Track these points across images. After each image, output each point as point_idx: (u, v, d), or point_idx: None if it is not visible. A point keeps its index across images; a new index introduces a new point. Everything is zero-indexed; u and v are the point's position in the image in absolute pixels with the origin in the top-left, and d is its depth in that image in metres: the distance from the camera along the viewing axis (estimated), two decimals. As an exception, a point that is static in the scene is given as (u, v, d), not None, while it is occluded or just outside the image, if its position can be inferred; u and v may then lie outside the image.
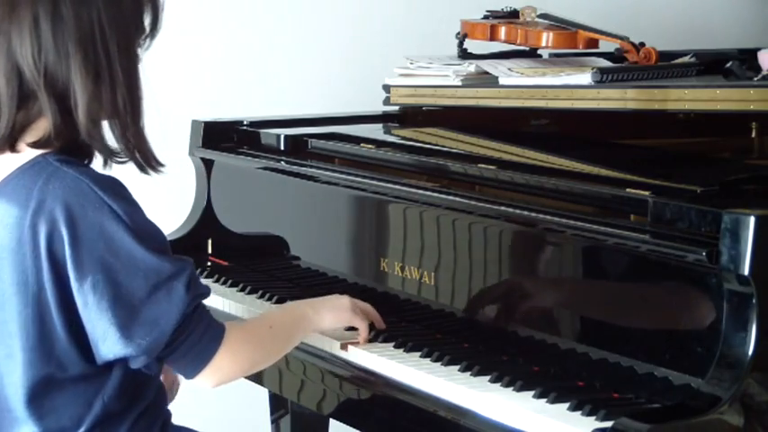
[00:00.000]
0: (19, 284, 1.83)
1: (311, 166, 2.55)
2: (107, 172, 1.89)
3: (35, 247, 1.81)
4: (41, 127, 1.85)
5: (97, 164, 1.91)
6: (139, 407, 1.92)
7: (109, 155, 1.88)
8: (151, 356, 1.85)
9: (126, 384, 1.89)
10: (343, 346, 2.18)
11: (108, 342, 1.82)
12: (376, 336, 2.21)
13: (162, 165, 1.92)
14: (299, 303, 2.19)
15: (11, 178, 1.86)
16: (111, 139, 1.88)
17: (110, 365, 1.87)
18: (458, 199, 2.20)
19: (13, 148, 1.86)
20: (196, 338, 1.88)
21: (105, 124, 1.87)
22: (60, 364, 1.85)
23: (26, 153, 1.86)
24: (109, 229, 1.80)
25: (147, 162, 1.91)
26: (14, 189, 1.84)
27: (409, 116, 2.93)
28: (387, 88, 2.89)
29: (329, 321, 2.16)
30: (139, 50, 1.91)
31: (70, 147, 1.87)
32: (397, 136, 2.85)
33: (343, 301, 2.19)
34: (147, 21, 1.91)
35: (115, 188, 1.83)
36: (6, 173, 1.87)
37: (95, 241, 1.80)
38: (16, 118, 1.85)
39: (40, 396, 1.85)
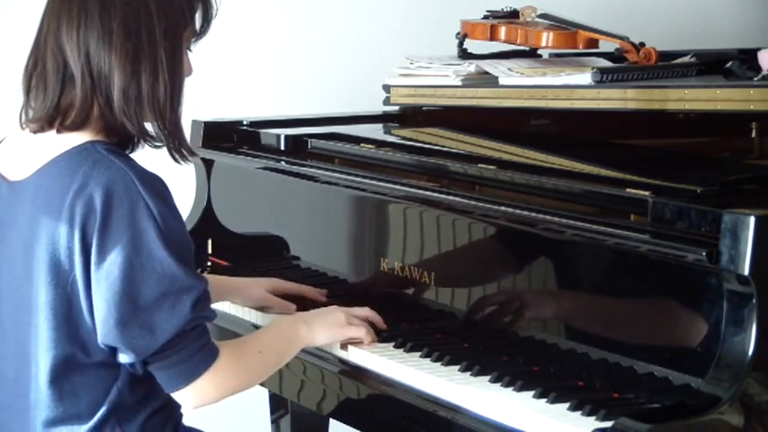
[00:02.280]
0: (51, 262, 1.85)
1: (311, 166, 2.55)
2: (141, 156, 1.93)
3: (71, 228, 1.83)
4: (72, 108, 1.88)
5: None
6: (154, 403, 1.93)
7: (143, 137, 1.91)
8: (137, 358, 1.86)
9: (139, 374, 1.90)
10: (343, 346, 2.18)
11: (104, 329, 1.84)
12: (377, 335, 2.21)
13: (194, 154, 1.98)
14: (293, 321, 2.15)
15: (57, 160, 1.88)
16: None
17: None
18: (458, 199, 2.20)
19: (56, 128, 1.89)
20: (186, 355, 1.88)
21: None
22: (84, 346, 1.87)
23: (73, 138, 1.88)
24: (140, 224, 1.82)
25: (179, 150, 1.94)
26: (59, 171, 1.87)
27: (409, 116, 2.93)
28: (387, 88, 2.89)
29: (323, 338, 2.15)
30: (186, 45, 1.94)
31: (118, 136, 1.91)
32: (397, 136, 2.85)
33: (337, 315, 2.17)
34: (197, 18, 1.95)
35: (156, 186, 1.86)
36: (52, 155, 1.89)
37: (123, 232, 1.82)
38: (61, 98, 1.89)
39: (61, 377, 1.87)
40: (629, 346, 1.91)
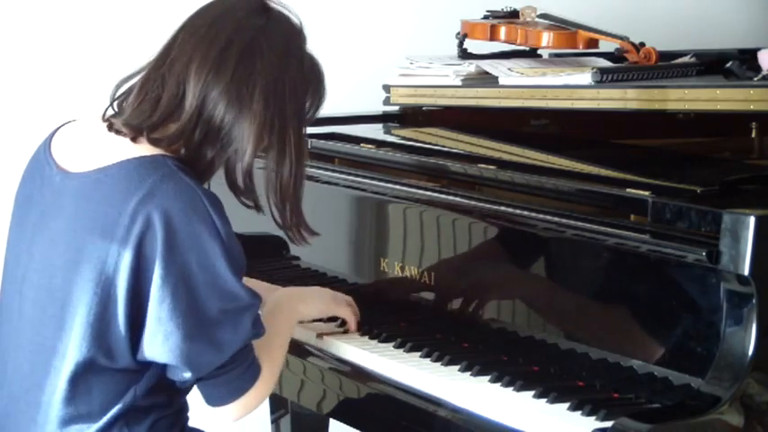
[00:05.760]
0: (97, 262, 1.84)
1: (311, 166, 2.54)
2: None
3: (127, 233, 1.82)
4: (167, 129, 1.88)
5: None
6: (166, 409, 1.93)
7: (257, 210, 1.96)
8: (197, 374, 1.86)
9: (161, 382, 1.90)
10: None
11: (167, 345, 1.83)
12: (377, 335, 2.22)
13: (315, 234, 1.99)
14: (289, 303, 2.18)
15: (125, 164, 1.87)
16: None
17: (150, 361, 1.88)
18: (458, 199, 2.20)
19: (135, 139, 1.89)
20: (238, 373, 1.90)
21: None
22: (109, 352, 1.86)
23: (144, 147, 1.87)
24: (206, 243, 1.83)
25: (299, 230, 1.97)
26: (127, 174, 1.85)
27: (409, 116, 2.93)
28: (387, 88, 2.89)
29: (315, 311, 2.22)
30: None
31: (192, 163, 1.90)
32: (397, 136, 2.85)
33: (325, 291, 2.25)
34: (308, 103, 1.97)
35: (219, 205, 1.87)
36: (120, 157, 1.87)
37: (190, 249, 1.82)
38: (162, 121, 1.88)
39: (80, 376, 1.86)
40: (629, 346, 1.91)
